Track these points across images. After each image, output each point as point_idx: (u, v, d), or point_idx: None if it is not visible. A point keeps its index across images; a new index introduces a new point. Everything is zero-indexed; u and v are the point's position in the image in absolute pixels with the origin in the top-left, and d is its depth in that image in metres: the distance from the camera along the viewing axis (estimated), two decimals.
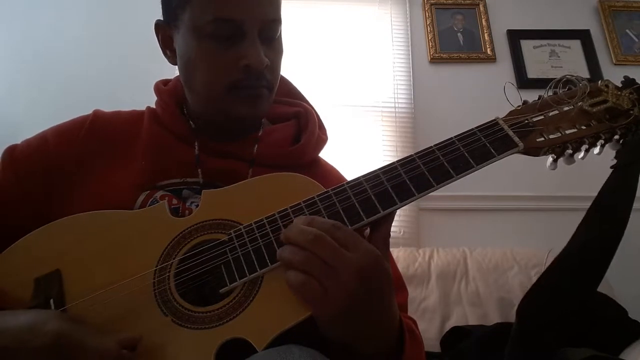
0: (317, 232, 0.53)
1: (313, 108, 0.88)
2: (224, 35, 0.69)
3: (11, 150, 0.75)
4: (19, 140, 0.77)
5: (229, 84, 0.70)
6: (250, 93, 0.71)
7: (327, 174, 0.84)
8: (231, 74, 0.70)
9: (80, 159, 0.73)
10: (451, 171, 0.60)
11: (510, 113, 0.65)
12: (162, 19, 0.78)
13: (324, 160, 0.87)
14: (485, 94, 2.03)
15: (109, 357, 0.49)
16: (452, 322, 1.57)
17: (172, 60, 0.78)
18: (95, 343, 0.49)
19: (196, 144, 0.76)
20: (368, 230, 0.63)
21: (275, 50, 0.74)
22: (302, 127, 0.84)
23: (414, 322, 0.73)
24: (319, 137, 0.84)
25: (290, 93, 0.90)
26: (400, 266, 1.66)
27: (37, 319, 0.49)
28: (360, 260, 0.52)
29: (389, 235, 0.60)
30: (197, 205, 0.68)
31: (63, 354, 0.48)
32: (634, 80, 0.63)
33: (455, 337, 1.48)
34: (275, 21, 0.72)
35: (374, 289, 0.53)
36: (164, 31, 0.77)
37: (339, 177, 0.84)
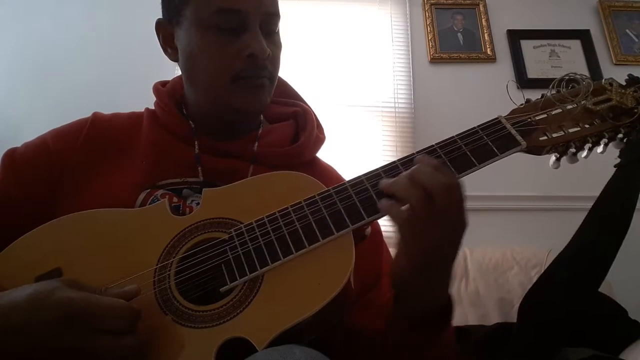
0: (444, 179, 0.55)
1: (310, 108, 0.88)
2: (227, 26, 0.70)
3: (11, 154, 0.75)
4: (18, 143, 0.77)
5: (233, 75, 0.71)
6: (253, 83, 0.73)
7: (325, 173, 0.84)
8: (235, 64, 0.71)
9: (81, 161, 0.73)
10: (453, 170, 0.60)
11: (513, 111, 0.65)
12: (162, 18, 0.79)
13: (321, 160, 0.88)
14: (486, 94, 2.03)
15: (122, 312, 0.50)
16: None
17: (173, 57, 0.79)
18: (106, 302, 0.49)
19: (196, 143, 0.76)
20: (369, 229, 0.62)
21: (275, 44, 0.75)
22: (300, 126, 0.84)
23: None
24: (317, 136, 0.84)
25: (287, 93, 0.91)
26: None
27: (42, 291, 0.49)
28: (456, 219, 0.56)
29: None
30: (197, 204, 0.68)
31: (76, 320, 0.48)
32: (638, 78, 0.63)
33: (455, 337, 1.48)
34: (276, 15, 0.74)
35: (453, 245, 0.58)
36: (165, 29, 0.78)
37: (337, 177, 0.85)
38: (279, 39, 0.77)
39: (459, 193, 0.55)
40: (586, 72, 2.18)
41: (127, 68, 2.14)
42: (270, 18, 0.73)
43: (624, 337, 1.34)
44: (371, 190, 0.59)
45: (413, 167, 0.56)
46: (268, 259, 0.57)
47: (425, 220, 0.54)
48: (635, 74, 0.66)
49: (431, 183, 0.53)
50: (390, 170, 0.61)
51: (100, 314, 0.48)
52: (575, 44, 2.26)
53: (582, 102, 0.62)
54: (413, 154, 0.62)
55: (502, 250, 1.73)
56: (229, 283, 0.56)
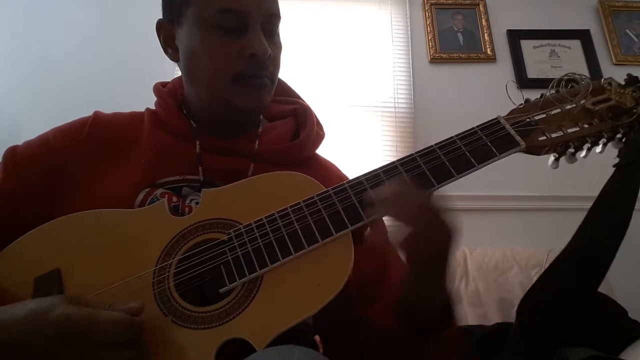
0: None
1: (309, 105, 0.89)
2: (228, 26, 0.71)
3: (12, 151, 0.75)
4: (19, 142, 0.77)
5: (234, 75, 0.72)
6: (254, 83, 0.73)
7: (326, 169, 0.85)
8: (236, 64, 0.72)
9: (82, 160, 0.74)
10: (452, 170, 0.60)
11: (512, 112, 0.65)
12: (162, 18, 0.79)
13: (322, 157, 0.88)
14: (485, 94, 2.03)
15: (122, 325, 0.50)
16: None
17: (174, 57, 0.79)
18: (105, 317, 0.50)
19: (197, 142, 0.76)
20: (369, 230, 0.62)
21: (275, 44, 0.76)
22: (300, 123, 0.85)
23: None
24: (317, 133, 0.85)
25: (285, 92, 0.91)
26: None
27: (43, 307, 0.49)
28: (432, 229, 0.55)
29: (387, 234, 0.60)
30: (197, 203, 0.68)
31: (74, 335, 0.48)
32: (637, 78, 0.63)
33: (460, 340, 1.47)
34: (277, 16, 0.75)
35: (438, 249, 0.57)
36: (166, 29, 0.79)
37: (339, 173, 0.85)
38: (279, 40, 0.78)
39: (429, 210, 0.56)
40: (586, 72, 2.18)
41: (126, 68, 2.13)
42: (271, 19, 0.74)
43: (624, 337, 1.34)
44: (370, 191, 0.59)
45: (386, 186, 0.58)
46: (267, 260, 0.57)
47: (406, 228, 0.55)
48: (635, 74, 0.66)
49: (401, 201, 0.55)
50: (390, 170, 0.61)
51: (99, 328, 0.49)
52: (575, 44, 2.25)
53: (581, 102, 0.62)
54: (412, 154, 0.62)
55: (502, 250, 1.73)
56: (228, 284, 0.56)
